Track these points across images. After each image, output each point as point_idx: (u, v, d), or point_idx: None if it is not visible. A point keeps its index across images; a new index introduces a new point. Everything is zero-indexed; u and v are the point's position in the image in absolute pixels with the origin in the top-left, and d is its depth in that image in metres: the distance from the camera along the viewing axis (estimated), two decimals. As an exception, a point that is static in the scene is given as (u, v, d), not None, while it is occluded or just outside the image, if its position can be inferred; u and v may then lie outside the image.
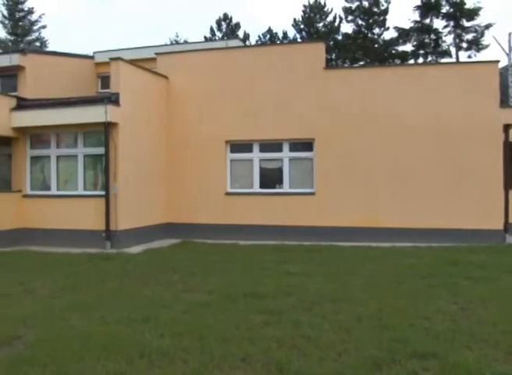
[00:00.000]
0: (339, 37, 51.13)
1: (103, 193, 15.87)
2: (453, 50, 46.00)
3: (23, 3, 51.91)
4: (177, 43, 49.73)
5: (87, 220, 16.08)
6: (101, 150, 16.03)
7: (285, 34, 54.40)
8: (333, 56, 50.04)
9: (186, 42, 48.14)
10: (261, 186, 18.20)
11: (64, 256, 14.01)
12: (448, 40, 46.36)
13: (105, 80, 22.42)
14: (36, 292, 9.42)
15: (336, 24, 52.00)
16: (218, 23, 56.66)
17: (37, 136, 17.24)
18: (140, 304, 8.36)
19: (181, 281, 10.32)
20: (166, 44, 28.97)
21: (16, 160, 17.32)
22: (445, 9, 45.37)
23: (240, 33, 55.51)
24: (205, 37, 54.94)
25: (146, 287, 9.81)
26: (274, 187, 18.17)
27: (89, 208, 16.14)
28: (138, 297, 8.93)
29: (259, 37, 55.31)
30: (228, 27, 56.67)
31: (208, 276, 10.93)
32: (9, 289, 9.62)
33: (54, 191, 16.91)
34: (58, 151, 16.95)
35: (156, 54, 19.32)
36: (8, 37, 52.03)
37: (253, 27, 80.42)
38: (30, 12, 52.29)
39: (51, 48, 52.47)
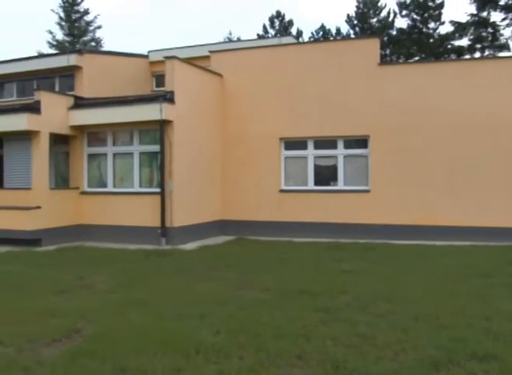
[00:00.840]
0: (394, 33, 50.32)
1: (158, 190, 16.08)
2: (511, 43, 44.73)
3: (78, 4, 52.97)
4: (230, 41, 49.89)
5: (142, 217, 16.31)
6: (156, 148, 16.24)
7: (338, 31, 53.85)
8: (388, 52, 49.28)
9: (239, 40, 48.28)
10: (316, 183, 18.09)
11: (120, 252, 14.25)
12: (506, 33, 45.07)
13: (160, 79, 22.67)
14: (94, 287, 9.61)
15: (390, 19, 51.13)
16: (271, 20, 56.57)
17: (94, 134, 17.58)
18: (196, 300, 8.42)
19: (236, 278, 10.34)
20: (220, 42, 29.05)
21: (73, 158, 17.70)
22: (503, 1, 44.11)
23: (293, 31, 55.29)
24: (258, 35, 54.97)
25: (201, 283, 9.88)
26: (328, 185, 18.06)
27: (144, 205, 16.37)
28: (193, 293, 8.99)
29: (312, 34, 54.91)
30: (281, 25, 56.52)
31: (262, 273, 10.94)
32: (69, 283, 9.84)
33: (110, 188, 17.22)
34: (115, 148, 17.25)
35: (210, 52, 19.42)
36: (65, 38, 53.17)
37: (306, 24, 79.78)
38: (86, 13, 53.30)
39: (106, 47, 53.39)
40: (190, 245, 15.59)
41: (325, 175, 18.09)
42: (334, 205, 17.55)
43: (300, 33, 55.00)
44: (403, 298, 8.43)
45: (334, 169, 17.93)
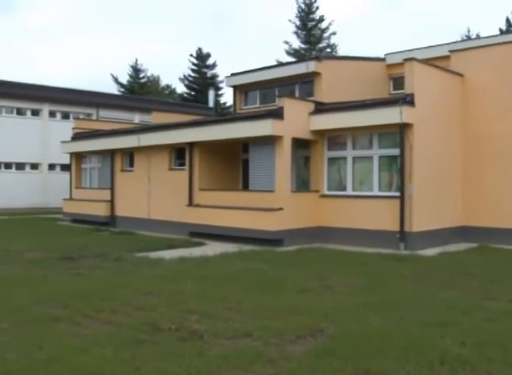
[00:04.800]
0: None
1: (398, 194, 15.89)
2: None
3: (314, 13, 54.56)
4: (469, 38, 47.60)
5: (380, 221, 16.24)
6: (395, 151, 16.07)
7: None
8: None
9: (478, 37, 45.83)
10: None
11: (359, 255, 14.33)
12: None
13: (397, 82, 22.46)
14: (334, 288, 9.78)
15: None
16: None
17: (334, 138, 17.93)
18: (437, 308, 8.16)
19: (481, 287, 9.83)
20: (458, 41, 27.84)
21: (313, 162, 18.23)
22: None
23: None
24: (500, 30, 51.68)
25: (442, 291, 9.56)
26: None
27: (383, 208, 16.29)
28: (435, 301, 8.73)
29: None
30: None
31: (511, 283, 10.26)
32: (310, 284, 10.14)
33: (349, 192, 17.42)
34: (354, 152, 17.42)
35: (450, 51, 18.72)
36: (302, 46, 55.11)
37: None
38: (321, 20, 54.75)
39: (341, 53, 54.27)
40: (430, 251, 15.13)
41: None
42: None
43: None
44: None
45: None
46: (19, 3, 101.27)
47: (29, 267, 12.04)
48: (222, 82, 61.47)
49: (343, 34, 78.05)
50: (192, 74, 64.64)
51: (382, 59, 24.24)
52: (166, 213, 20.99)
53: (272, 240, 16.46)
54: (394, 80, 23.62)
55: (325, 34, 55.17)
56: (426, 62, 17.06)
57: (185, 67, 69.22)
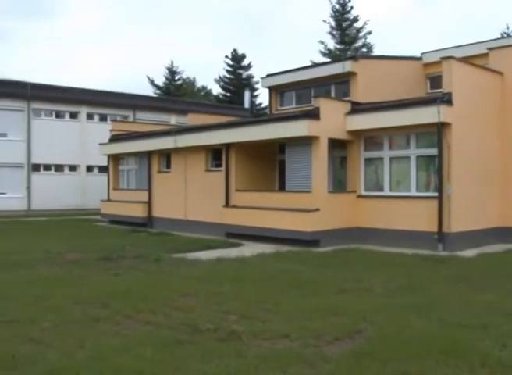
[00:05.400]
0: None
1: (435, 194, 15.73)
2: None
3: (348, 12, 54.26)
4: (508, 36, 46.74)
5: (418, 221, 16.08)
6: (433, 151, 15.91)
7: None
8: None
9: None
10: None
11: (396, 256, 14.22)
12: None
13: (434, 81, 22.23)
14: (372, 289, 9.73)
15: None
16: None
17: (371, 138, 17.83)
18: (477, 310, 8.06)
19: (523, 290, 9.68)
20: (497, 38, 27.36)
21: (350, 162, 18.15)
22: None
23: None
24: (543, 26, 50.63)
25: (482, 292, 9.42)
26: None
27: (421, 209, 16.13)
28: (474, 302, 8.62)
29: None
30: None
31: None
32: (347, 285, 10.11)
33: (387, 192, 17.30)
34: (391, 152, 17.29)
35: (488, 49, 18.41)
36: (337, 46, 54.85)
37: None
38: (356, 20, 54.37)
39: (376, 52, 53.82)
40: (468, 252, 14.92)
41: None
42: None
43: None
44: None
45: None
46: (56, 9, 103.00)
47: (69, 268, 12.26)
48: (257, 83, 61.56)
49: (378, 34, 77.77)
50: (227, 75, 64.88)
51: (419, 58, 23.98)
52: (203, 214, 21.13)
53: (308, 241, 16.44)
54: (431, 79, 23.35)
55: (360, 34, 54.75)
56: (464, 60, 16.86)
57: (220, 69, 69.43)
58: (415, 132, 16.56)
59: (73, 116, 36.99)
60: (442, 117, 15.26)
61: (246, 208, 18.83)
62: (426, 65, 23.47)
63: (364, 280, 10.61)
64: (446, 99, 15.52)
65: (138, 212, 24.75)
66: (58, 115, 36.63)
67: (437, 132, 15.52)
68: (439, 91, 17.66)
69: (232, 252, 14.96)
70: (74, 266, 12.60)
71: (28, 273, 11.41)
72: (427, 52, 23.78)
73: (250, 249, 15.68)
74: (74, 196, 35.59)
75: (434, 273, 11.64)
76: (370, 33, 54.57)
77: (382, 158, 17.49)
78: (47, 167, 35.64)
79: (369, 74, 21.16)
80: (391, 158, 17.29)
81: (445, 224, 15.46)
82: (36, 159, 34.89)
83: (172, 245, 16.65)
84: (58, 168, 36.18)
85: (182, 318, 7.67)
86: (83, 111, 37.06)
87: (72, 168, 36.61)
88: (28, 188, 34.46)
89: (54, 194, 34.54)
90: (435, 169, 16.05)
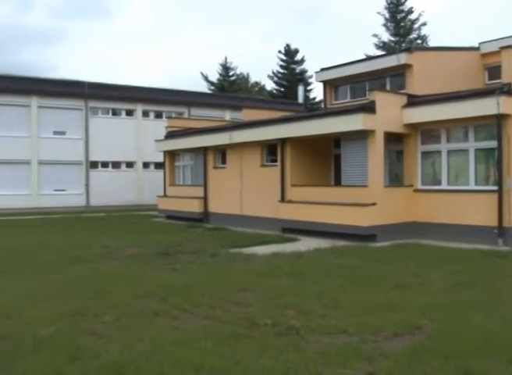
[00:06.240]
0: None
1: (495, 188, 15.35)
2: None
3: (403, 4, 53.47)
4: None
5: (477, 216, 15.73)
6: (492, 143, 15.53)
7: None
8: None
9: None
10: None
11: (455, 251, 13.97)
12: None
13: (493, 71, 21.71)
14: (431, 285, 9.57)
15: None
16: None
17: (428, 131, 17.51)
18: (542, 306, 7.85)
19: None
20: None
21: (407, 156, 17.88)
22: None
23: None
24: None
25: (546, 288, 9.18)
26: None
27: (480, 203, 15.77)
28: (538, 299, 8.40)
29: None
30: None
31: None
32: (405, 280, 9.98)
33: (444, 186, 16.96)
34: (449, 145, 16.95)
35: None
36: (391, 38, 54.15)
37: None
38: (410, 11, 53.57)
39: (431, 44, 52.81)
40: (531, 247, 14.55)
41: None
42: None
43: None
44: None
45: None
46: (111, 9, 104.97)
47: (127, 263, 12.51)
48: (310, 77, 61.42)
49: (433, 25, 76.12)
50: (281, 70, 64.90)
51: (476, 48, 23.42)
52: (258, 209, 21.20)
53: (364, 235, 16.30)
54: (489, 70, 22.78)
55: (415, 25, 53.96)
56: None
57: (274, 64, 69.41)
58: (474, 124, 16.18)
59: (129, 113, 37.67)
60: (502, 109, 14.86)
61: (301, 203, 18.80)
62: (484, 55, 22.90)
63: (422, 275, 10.45)
64: (506, 90, 15.10)
65: (194, 207, 25.02)
66: (115, 113, 37.36)
67: (496, 124, 15.14)
68: (497, 81, 17.25)
69: (287, 247, 14.96)
70: (133, 260, 12.84)
71: (88, 268, 11.71)
72: (485, 42, 23.19)
73: (305, 244, 15.65)
74: (131, 192, 36.29)
75: (495, 268, 11.38)
76: (425, 24, 53.77)
77: (439, 152, 17.15)
78: (104, 164, 36.42)
79: (425, 66, 20.81)
80: (449, 152, 16.94)
81: (505, 218, 15.07)
82: (94, 157, 35.75)
83: (228, 240, 16.79)
84: (116, 165, 36.93)
85: (240, 312, 7.72)
86: (139, 108, 37.69)
87: (129, 165, 37.30)
88: (86, 185, 35.29)
89: (111, 190, 35.33)
90: (494, 162, 15.64)
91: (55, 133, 34.79)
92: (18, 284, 10.08)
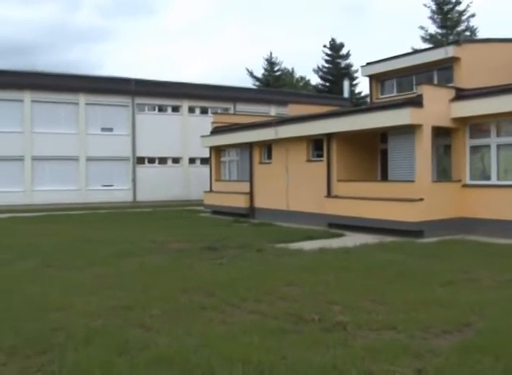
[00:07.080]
0: None
1: (547, 183, 14.98)
2: None
3: (450, -5, 52.56)
4: None
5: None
6: (545, 137, 15.15)
7: None
8: None
9: None
10: None
11: (504, 247, 13.66)
12: None
13: (547, 62, 21.10)
14: (480, 282, 9.40)
15: None
16: None
17: (477, 125, 17.18)
18: None
19: None
20: None
21: (455, 150, 17.58)
22: None
23: None
24: None
25: None
26: None
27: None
28: None
29: None
30: None
31: None
32: (454, 276, 9.83)
33: (494, 181, 16.62)
34: (499, 140, 16.58)
35: None
36: (438, 30, 53.22)
37: None
38: (458, 3, 52.47)
39: (480, 35, 51.71)
40: None
41: None
42: None
43: None
44: None
45: None
46: (157, 7, 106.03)
47: (174, 257, 12.62)
48: (356, 72, 60.94)
49: (482, 16, 74.47)
50: (326, 65, 64.57)
51: (528, 40, 22.86)
52: (304, 205, 21.16)
53: (411, 231, 16.09)
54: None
55: (463, 17, 52.86)
56: None
57: (319, 58, 69.26)
58: (526, 118, 15.81)
59: (175, 109, 38.01)
60: (555, 101, 14.49)
61: (348, 199, 18.68)
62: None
63: (471, 271, 10.28)
64: (560, 82, 14.73)
65: (240, 202, 25.12)
66: (161, 109, 37.77)
67: (549, 117, 14.77)
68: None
69: (334, 243, 14.88)
70: (179, 255, 12.95)
71: (136, 262, 11.86)
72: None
73: (352, 239, 15.56)
74: (177, 187, 36.66)
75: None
76: (473, 15, 52.62)
77: (488, 146, 16.80)
78: (151, 160, 36.88)
79: (473, 59, 20.37)
80: (498, 146, 16.58)
81: (558, 214, 14.72)
82: (140, 152, 36.22)
83: (274, 235, 16.80)
84: (162, 160, 37.35)
85: (286, 307, 7.73)
86: (185, 104, 37.99)
87: (175, 160, 37.65)
88: (133, 180, 35.79)
89: (158, 185, 35.77)
90: (546, 156, 15.29)
91: (103, 129, 35.39)
92: (68, 278, 10.30)
